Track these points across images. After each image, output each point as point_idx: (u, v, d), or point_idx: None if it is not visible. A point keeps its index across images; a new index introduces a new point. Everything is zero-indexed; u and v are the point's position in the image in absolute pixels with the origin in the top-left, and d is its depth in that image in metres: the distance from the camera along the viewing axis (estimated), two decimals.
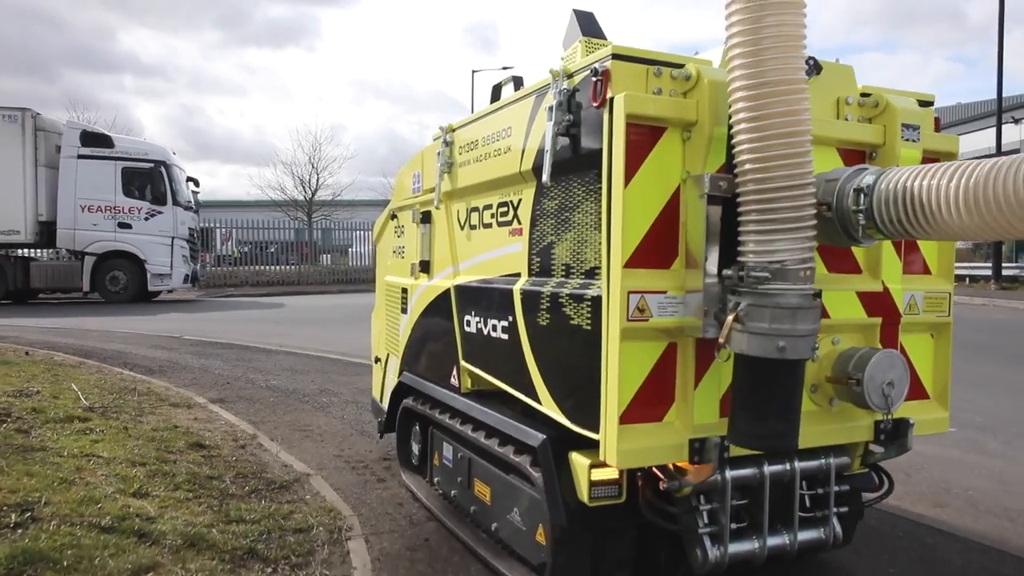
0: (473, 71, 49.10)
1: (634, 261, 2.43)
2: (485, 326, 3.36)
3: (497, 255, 3.34)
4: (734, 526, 2.72)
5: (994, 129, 28.81)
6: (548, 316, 2.84)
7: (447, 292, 3.74)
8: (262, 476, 4.28)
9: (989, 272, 17.64)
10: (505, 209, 3.26)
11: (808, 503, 2.91)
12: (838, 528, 2.94)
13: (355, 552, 3.35)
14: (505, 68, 30.64)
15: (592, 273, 2.59)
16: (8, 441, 4.11)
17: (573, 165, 2.70)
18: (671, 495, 2.63)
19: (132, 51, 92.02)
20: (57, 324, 12.43)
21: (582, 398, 2.59)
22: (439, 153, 3.75)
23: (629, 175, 2.40)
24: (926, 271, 3.05)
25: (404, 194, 4.54)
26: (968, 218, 2.04)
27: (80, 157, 18.01)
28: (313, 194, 35.40)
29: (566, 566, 2.83)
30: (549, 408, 2.84)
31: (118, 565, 2.83)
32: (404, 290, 4.43)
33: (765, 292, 2.28)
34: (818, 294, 2.35)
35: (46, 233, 18.21)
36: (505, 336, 3.15)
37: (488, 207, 3.40)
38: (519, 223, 3.13)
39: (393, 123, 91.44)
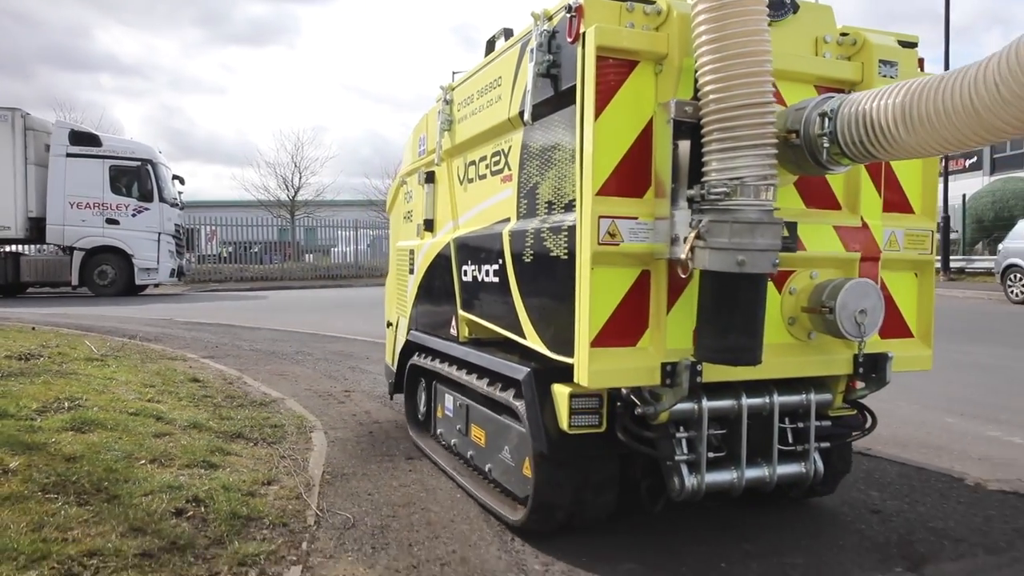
0: (453, 72, 50.29)
1: (606, 189, 2.58)
2: (479, 273, 3.53)
3: (491, 204, 3.50)
4: (711, 455, 2.83)
5: None
6: (532, 252, 2.99)
7: (448, 246, 3.95)
8: (246, 398, 5.57)
9: (939, 265, 19.15)
10: (498, 158, 3.43)
11: (791, 438, 3.00)
12: (819, 464, 3.00)
13: (316, 438, 4.64)
14: None
15: (571, 206, 2.71)
16: (47, 368, 5.39)
17: (554, 104, 2.87)
18: (649, 422, 2.75)
19: (110, 50, 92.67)
20: (52, 312, 13.60)
21: (561, 327, 2.74)
22: (439, 112, 4.02)
23: (601, 105, 2.56)
24: (909, 210, 3.13)
25: (411, 158, 4.82)
26: (915, 134, 2.13)
27: (69, 156, 18.99)
28: (296, 192, 36.63)
29: (548, 494, 2.98)
30: (533, 342, 2.98)
31: (144, 430, 4.11)
32: (411, 251, 4.68)
33: (725, 208, 2.40)
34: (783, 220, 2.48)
35: (36, 229, 19.21)
36: (496, 279, 3.33)
37: (483, 159, 3.60)
38: (509, 169, 3.29)
39: (376, 124, 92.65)
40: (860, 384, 3.01)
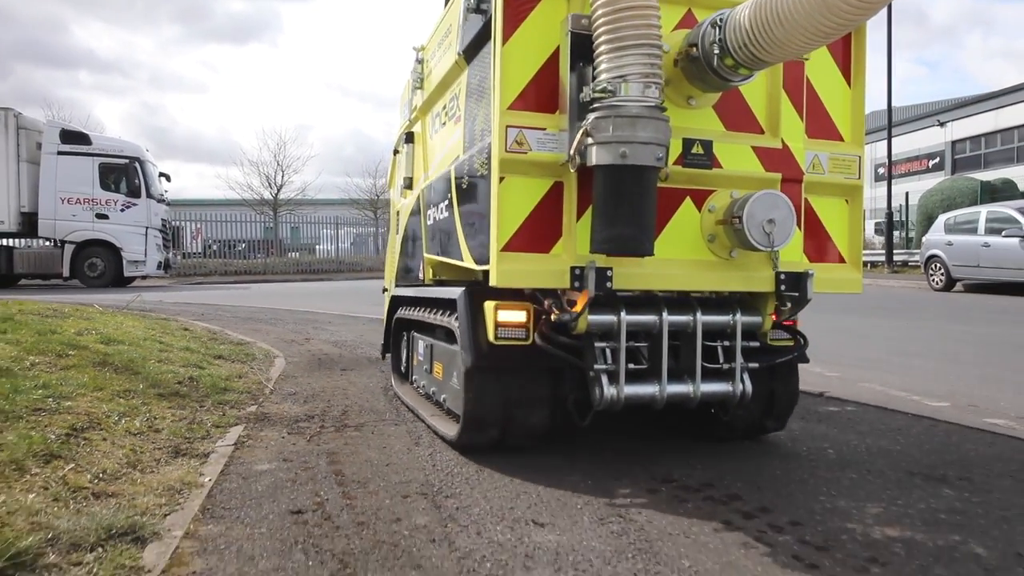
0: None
1: (517, 105, 2.86)
2: (438, 212, 3.86)
3: (448, 147, 3.78)
4: (633, 368, 3.04)
5: (920, 132, 32.50)
6: (467, 178, 3.27)
7: (419, 197, 4.38)
8: (227, 339, 7.43)
9: (883, 258, 21.09)
10: (453, 103, 3.71)
11: (722, 358, 3.17)
12: (748, 385, 3.16)
13: (277, 361, 6.49)
14: None
15: None
16: (72, 314, 7.23)
17: (484, 37, 3.10)
18: (569, 331, 2.95)
19: (87, 45, 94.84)
20: (49, 297, 15.38)
21: (484, 238, 2.99)
22: (412, 71, 4.44)
23: (512, 27, 2.84)
24: (836, 137, 3.31)
25: (399, 125, 5.25)
26: (782, 27, 2.38)
27: (60, 153, 20.70)
28: (278, 190, 38.35)
29: (479, 407, 3.23)
30: (467, 260, 3.25)
31: (151, 347, 5.96)
32: (398, 212, 5.25)
33: (610, 105, 2.61)
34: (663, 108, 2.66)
35: (28, 223, 20.95)
36: (447, 214, 3.65)
37: (444, 108, 3.92)
38: (459, 110, 3.56)
39: (359, 122, 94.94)
40: (786, 305, 3.16)
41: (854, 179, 3.33)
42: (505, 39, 2.86)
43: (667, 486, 3.07)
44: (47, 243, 21.43)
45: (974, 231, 15.35)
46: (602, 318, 2.96)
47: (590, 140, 2.67)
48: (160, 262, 21.76)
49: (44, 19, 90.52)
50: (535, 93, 2.90)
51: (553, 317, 2.99)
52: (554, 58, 2.92)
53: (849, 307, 11.96)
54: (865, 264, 22.19)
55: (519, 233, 2.87)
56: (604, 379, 2.99)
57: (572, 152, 2.76)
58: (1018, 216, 14.59)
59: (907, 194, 24.68)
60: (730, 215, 2.97)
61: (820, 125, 3.28)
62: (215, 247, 30.64)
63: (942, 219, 16.69)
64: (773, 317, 3.21)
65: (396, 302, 5.11)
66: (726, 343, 3.18)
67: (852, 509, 2.81)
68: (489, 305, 3.07)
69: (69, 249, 20.66)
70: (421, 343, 4.43)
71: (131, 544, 2.33)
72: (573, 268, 2.82)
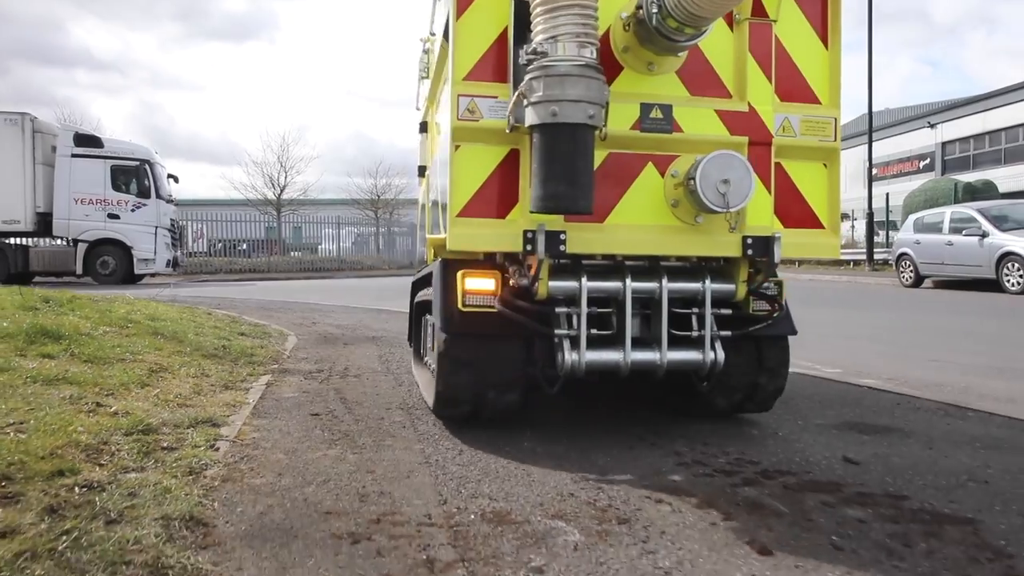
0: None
1: (472, 76, 3.02)
2: (434, 194, 4.05)
3: (443, 131, 3.80)
4: (598, 333, 3.15)
5: (912, 134, 33.83)
6: (446, 153, 3.33)
7: (426, 183, 4.65)
8: (245, 322, 8.92)
9: (864, 257, 22.49)
10: (446, 86, 3.70)
11: (695, 326, 3.26)
12: (720, 353, 3.23)
13: (290, 338, 7.96)
14: None
15: None
16: (115, 299, 8.70)
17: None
18: (532, 296, 3.09)
19: (84, 44, 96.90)
20: (76, 292, 16.87)
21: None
22: (420, 61, 4.76)
23: (465, 3, 3.01)
24: (811, 99, 3.33)
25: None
26: None
27: (74, 156, 22.21)
28: (281, 191, 39.87)
29: (452, 375, 3.37)
30: (443, 232, 3.35)
31: (187, 325, 7.43)
32: (422, 206, 5.58)
33: (542, 65, 2.73)
34: (597, 68, 2.74)
35: (43, 223, 22.45)
36: (437, 192, 3.81)
37: (441, 93, 4.01)
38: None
39: (361, 122, 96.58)
40: (757, 272, 3.24)
41: (829, 141, 3.35)
42: (459, 14, 3.07)
43: (590, 409, 4.50)
44: (61, 242, 22.93)
45: (940, 230, 16.70)
46: (564, 284, 3.14)
47: (525, 102, 2.81)
48: (169, 260, 23.24)
49: (41, 17, 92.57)
50: (489, 64, 3.07)
51: (512, 282, 3.18)
52: (507, 31, 3.11)
53: (812, 300, 13.32)
54: (847, 262, 23.73)
55: (475, 199, 3.04)
56: (566, 345, 3.15)
57: (508, 114, 2.94)
58: (978, 216, 15.94)
59: (887, 195, 26.16)
60: (687, 177, 3.06)
61: (792, 87, 3.32)
62: (219, 246, 32.10)
63: (912, 219, 18.05)
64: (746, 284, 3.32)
65: (414, 287, 5.52)
66: (698, 311, 3.29)
67: (695, 419, 4.24)
68: (459, 273, 3.25)
69: (82, 248, 22.08)
70: (428, 322, 4.64)
71: (211, 427, 3.78)
72: (525, 232, 2.97)
